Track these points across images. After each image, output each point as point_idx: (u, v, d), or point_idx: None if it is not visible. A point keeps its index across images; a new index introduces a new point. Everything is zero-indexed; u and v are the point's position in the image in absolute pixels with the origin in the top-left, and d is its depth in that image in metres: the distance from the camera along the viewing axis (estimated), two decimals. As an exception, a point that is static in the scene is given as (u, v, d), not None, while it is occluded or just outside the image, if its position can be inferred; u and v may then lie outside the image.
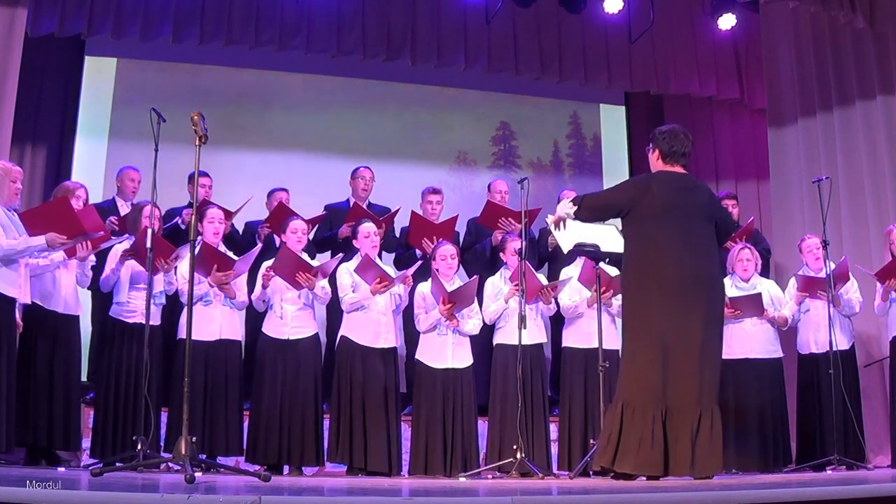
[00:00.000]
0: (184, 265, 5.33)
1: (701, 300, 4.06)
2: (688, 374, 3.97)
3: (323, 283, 5.51)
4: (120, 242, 5.36)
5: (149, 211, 5.41)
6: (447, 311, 5.51)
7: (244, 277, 5.59)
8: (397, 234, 6.74)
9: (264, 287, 5.45)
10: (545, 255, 6.77)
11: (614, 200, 4.26)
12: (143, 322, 5.17)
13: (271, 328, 5.51)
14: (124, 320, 5.32)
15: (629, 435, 3.96)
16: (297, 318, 5.50)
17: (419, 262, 6.00)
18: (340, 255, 5.71)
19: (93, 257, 5.25)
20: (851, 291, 6.04)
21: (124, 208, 6.22)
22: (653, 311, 4.02)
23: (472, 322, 5.70)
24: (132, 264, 5.26)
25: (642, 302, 4.07)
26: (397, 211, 6.55)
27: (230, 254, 5.57)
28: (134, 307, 5.32)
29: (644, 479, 3.96)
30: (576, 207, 4.30)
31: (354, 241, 5.82)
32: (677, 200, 4.13)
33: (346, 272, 5.60)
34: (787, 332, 6.25)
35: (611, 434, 4.00)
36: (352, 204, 6.66)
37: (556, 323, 6.29)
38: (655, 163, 4.31)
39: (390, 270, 5.77)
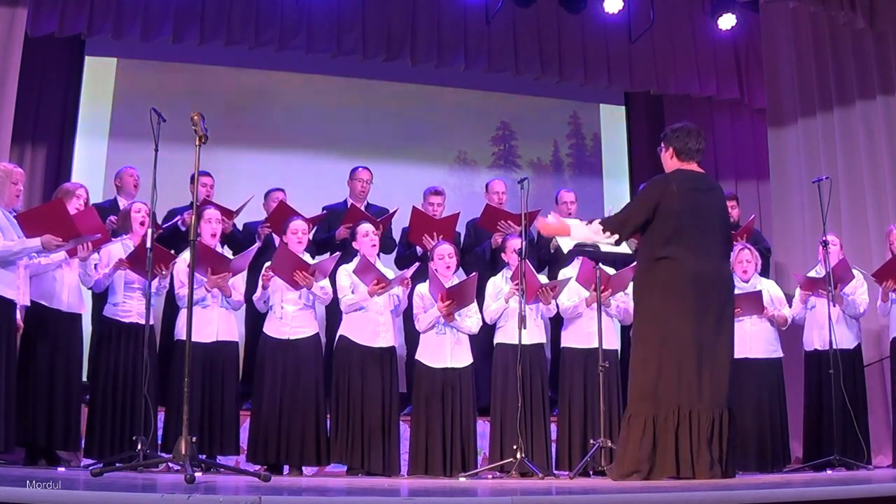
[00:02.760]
0: (182, 265, 5.33)
1: (715, 303, 4.06)
2: (700, 377, 3.96)
3: (323, 284, 5.51)
4: (115, 243, 5.36)
5: (138, 208, 5.43)
6: (446, 309, 5.51)
7: (241, 277, 5.58)
8: (395, 236, 6.74)
9: (264, 288, 5.45)
10: (546, 258, 6.75)
11: (643, 207, 4.15)
12: (139, 322, 5.22)
13: (272, 328, 5.51)
14: (120, 320, 5.33)
15: (629, 442, 3.96)
16: (297, 318, 5.50)
17: (417, 264, 6.00)
18: (338, 253, 5.70)
19: (96, 256, 5.26)
20: (858, 292, 6.02)
21: (126, 207, 6.23)
22: (667, 314, 4.01)
23: (471, 320, 5.70)
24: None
25: (657, 305, 4.05)
26: (394, 212, 6.54)
27: (229, 254, 5.57)
28: (129, 307, 5.34)
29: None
30: (615, 235, 4.16)
31: (353, 243, 5.82)
32: (695, 201, 4.10)
33: (346, 274, 5.61)
34: (793, 331, 6.25)
35: (628, 446, 3.99)
36: (349, 205, 6.66)
37: (556, 324, 6.28)
38: (669, 162, 4.26)
39: (389, 271, 5.77)
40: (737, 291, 5.86)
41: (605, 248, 4.92)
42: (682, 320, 3.99)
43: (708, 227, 4.10)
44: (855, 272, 6.02)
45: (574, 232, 4.27)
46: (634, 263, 4.65)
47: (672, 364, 3.97)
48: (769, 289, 6.10)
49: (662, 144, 4.29)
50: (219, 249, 5.52)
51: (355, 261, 5.63)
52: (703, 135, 4.25)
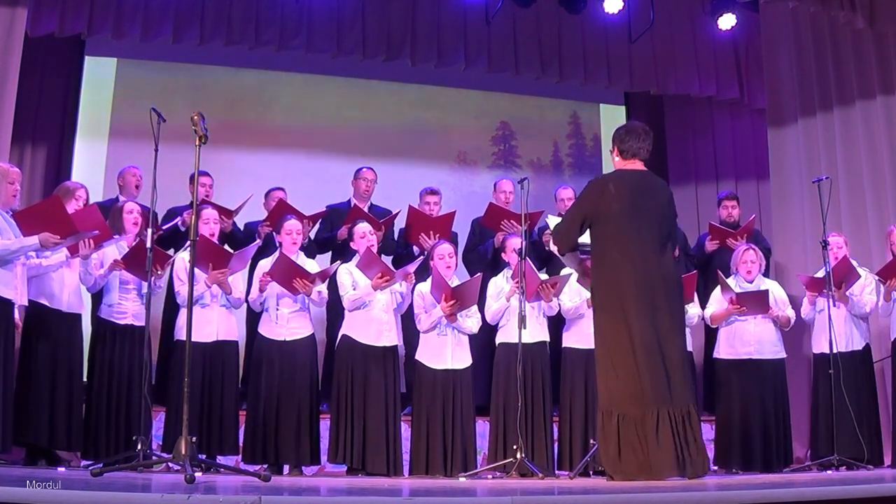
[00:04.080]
0: (180, 263, 5.33)
1: (666, 300, 4.10)
2: (665, 375, 4.00)
3: (320, 288, 5.51)
4: (116, 242, 5.36)
5: (130, 208, 5.42)
6: (450, 308, 5.50)
7: (242, 275, 5.58)
8: (396, 237, 6.73)
9: (261, 291, 5.45)
10: (544, 255, 6.75)
11: (577, 213, 4.26)
12: (134, 323, 5.25)
13: (267, 329, 5.51)
14: (115, 321, 5.33)
15: (622, 444, 3.98)
16: (292, 320, 5.50)
17: (421, 257, 6.00)
18: (339, 262, 5.70)
19: (96, 255, 5.25)
20: (866, 292, 6.02)
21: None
22: (624, 313, 4.05)
23: (471, 321, 5.69)
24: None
25: (613, 305, 4.10)
26: (397, 214, 6.54)
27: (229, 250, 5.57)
28: (124, 309, 5.34)
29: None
30: (561, 247, 4.31)
31: (351, 243, 5.82)
32: (635, 200, 4.14)
33: (346, 272, 5.60)
34: (797, 333, 6.24)
35: (607, 447, 4.02)
36: (352, 205, 6.66)
37: (556, 323, 6.28)
38: (615, 160, 4.35)
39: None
40: (740, 290, 5.92)
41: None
42: (641, 319, 4.02)
43: (646, 227, 4.14)
44: (862, 271, 6.02)
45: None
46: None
47: (639, 363, 4.00)
48: (772, 290, 6.10)
49: (612, 145, 4.38)
50: (217, 248, 5.52)
51: (356, 259, 5.63)
52: (649, 134, 4.31)
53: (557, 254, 4.47)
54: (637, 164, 4.27)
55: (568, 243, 4.30)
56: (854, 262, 6.02)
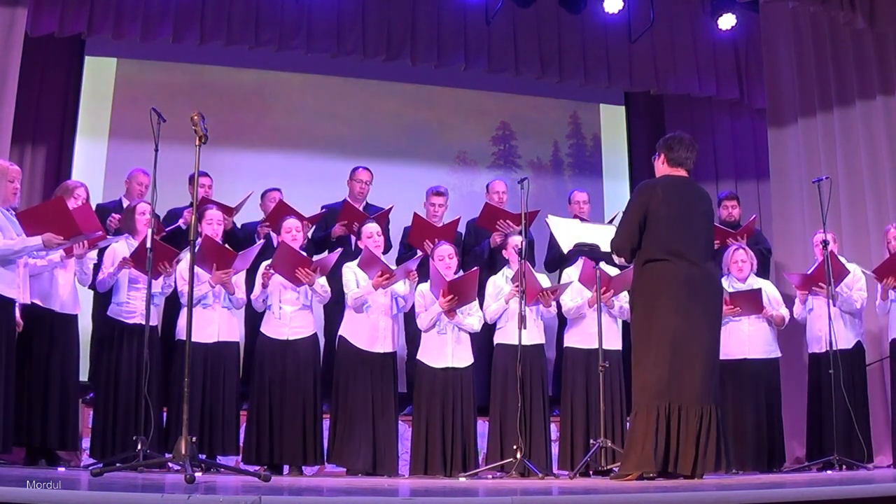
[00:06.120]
0: (184, 264, 5.33)
1: (706, 302, 4.21)
2: (694, 374, 4.08)
3: (322, 282, 5.51)
4: (116, 241, 5.36)
5: (143, 209, 5.43)
6: (447, 304, 5.50)
7: (243, 276, 5.58)
8: (393, 235, 6.69)
9: (264, 286, 5.46)
10: (558, 257, 6.69)
11: (633, 218, 4.32)
12: (143, 322, 5.19)
13: (270, 328, 5.51)
14: (123, 321, 5.33)
15: (635, 436, 4.05)
16: (295, 319, 5.50)
17: (420, 254, 5.99)
18: (339, 249, 5.71)
19: (94, 255, 5.25)
20: (855, 289, 6.03)
21: (130, 209, 6.21)
22: (663, 311, 4.14)
23: (472, 318, 5.69)
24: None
25: (653, 303, 4.18)
26: (390, 209, 6.51)
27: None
28: (133, 307, 5.34)
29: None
30: (623, 254, 4.41)
31: (359, 243, 5.82)
32: (681, 204, 4.27)
33: (350, 269, 5.62)
34: (792, 332, 6.24)
35: (643, 441, 4.06)
36: (343, 202, 6.64)
37: (561, 323, 6.28)
38: (660, 167, 4.47)
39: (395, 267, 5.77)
40: (733, 290, 5.92)
41: (605, 247, 4.98)
42: (680, 320, 4.12)
43: (694, 231, 4.27)
44: (851, 267, 6.01)
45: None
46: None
47: (671, 359, 4.08)
48: (766, 289, 6.10)
49: (657, 152, 4.50)
50: (219, 247, 5.52)
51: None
52: (695, 145, 4.47)
53: (622, 261, 4.53)
54: (681, 172, 4.41)
55: (629, 247, 4.35)
56: (842, 259, 6.02)
